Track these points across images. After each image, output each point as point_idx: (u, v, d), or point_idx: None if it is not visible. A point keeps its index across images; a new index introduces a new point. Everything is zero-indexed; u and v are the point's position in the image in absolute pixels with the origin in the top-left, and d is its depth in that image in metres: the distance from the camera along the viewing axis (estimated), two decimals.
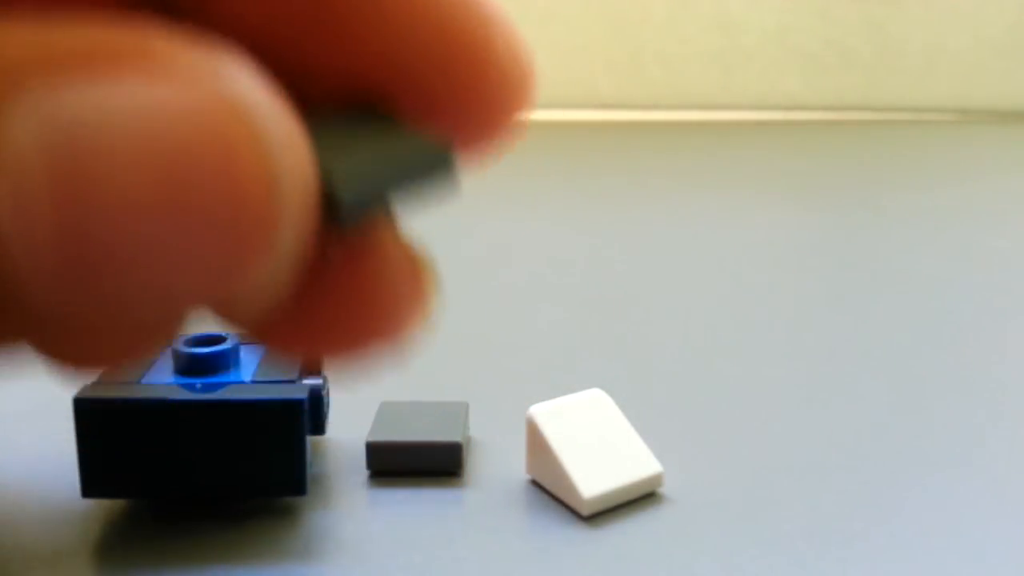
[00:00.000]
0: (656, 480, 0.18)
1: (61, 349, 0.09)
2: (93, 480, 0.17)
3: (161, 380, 0.17)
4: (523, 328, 0.28)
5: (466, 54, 0.11)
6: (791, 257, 0.36)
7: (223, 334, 0.18)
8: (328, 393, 0.19)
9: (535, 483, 0.18)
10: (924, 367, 0.25)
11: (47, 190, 0.08)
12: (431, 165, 0.11)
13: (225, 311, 0.09)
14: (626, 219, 0.41)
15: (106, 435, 0.16)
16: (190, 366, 0.17)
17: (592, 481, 0.17)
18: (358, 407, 0.20)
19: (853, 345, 0.26)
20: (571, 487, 0.17)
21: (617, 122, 0.68)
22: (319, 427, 0.19)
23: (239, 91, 0.08)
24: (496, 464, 0.19)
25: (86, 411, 0.16)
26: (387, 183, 0.10)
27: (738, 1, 0.69)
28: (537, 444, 0.18)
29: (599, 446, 0.18)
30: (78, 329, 0.09)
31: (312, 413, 0.18)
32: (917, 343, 0.26)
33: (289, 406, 0.16)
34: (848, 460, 0.20)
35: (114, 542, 0.17)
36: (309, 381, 0.18)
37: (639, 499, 0.18)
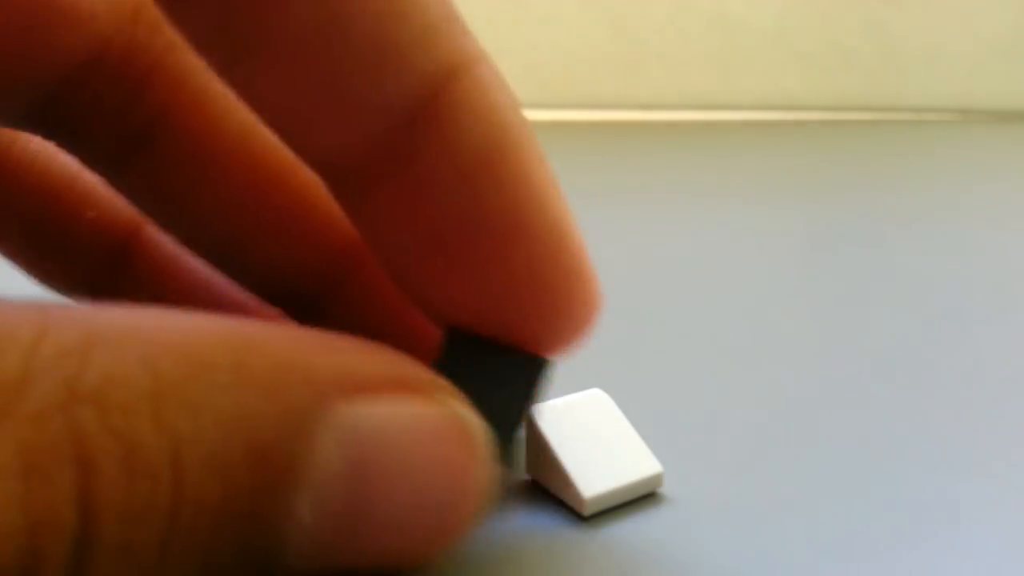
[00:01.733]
0: (656, 480, 0.18)
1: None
2: None
3: None
4: None
5: (556, 291, 0.14)
6: (791, 257, 0.36)
7: None
8: None
9: (535, 483, 0.18)
10: (926, 367, 0.25)
11: (343, 488, 0.10)
12: (536, 380, 0.14)
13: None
14: (625, 219, 0.41)
15: None
16: None
17: (592, 481, 0.17)
18: None
19: (853, 345, 0.26)
20: (571, 487, 0.17)
21: (617, 122, 0.68)
22: None
23: (464, 414, 0.12)
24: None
25: None
26: (518, 418, 0.14)
27: (738, 1, 0.69)
28: (537, 444, 0.18)
29: (599, 446, 0.18)
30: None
31: None
32: (918, 343, 0.26)
33: None
34: (849, 461, 0.20)
35: None
36: None
37: (639, 499, 0.18)
